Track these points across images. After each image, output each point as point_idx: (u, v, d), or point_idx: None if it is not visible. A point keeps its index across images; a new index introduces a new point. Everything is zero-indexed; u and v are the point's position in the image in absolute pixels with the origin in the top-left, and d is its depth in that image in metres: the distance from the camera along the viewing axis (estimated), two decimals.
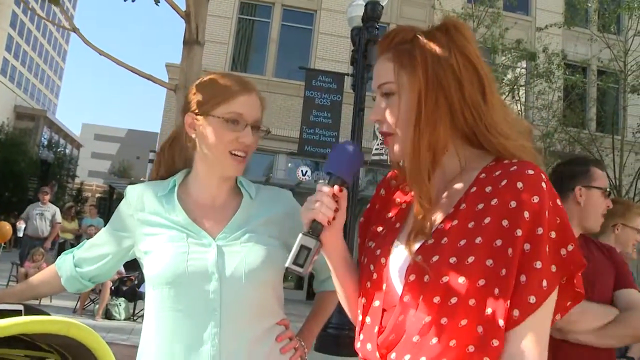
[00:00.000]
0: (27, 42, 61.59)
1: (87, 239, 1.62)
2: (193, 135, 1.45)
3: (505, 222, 0.93)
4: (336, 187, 1.08)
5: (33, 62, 64.85)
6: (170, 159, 1.57)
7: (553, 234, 0.93)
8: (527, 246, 0.92)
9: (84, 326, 0.96)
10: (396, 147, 1.07)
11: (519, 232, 0.92)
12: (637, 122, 13.08)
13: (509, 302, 0.90)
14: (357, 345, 1.09)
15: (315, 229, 1.07)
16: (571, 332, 1.79)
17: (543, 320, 0.93)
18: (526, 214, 0.92)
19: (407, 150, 1.05)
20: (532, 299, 0.90)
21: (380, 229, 1.17)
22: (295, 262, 1.04)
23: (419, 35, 1.06)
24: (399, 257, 1.05)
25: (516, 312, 0.91)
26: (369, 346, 1.04)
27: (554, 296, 0.94)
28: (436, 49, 1.03)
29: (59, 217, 10.19)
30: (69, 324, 0.93)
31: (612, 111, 14.58)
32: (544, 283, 0.91)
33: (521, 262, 0.91)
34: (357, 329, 1.11)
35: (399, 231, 1.10)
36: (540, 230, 0.92)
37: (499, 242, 0.93)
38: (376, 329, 1.03)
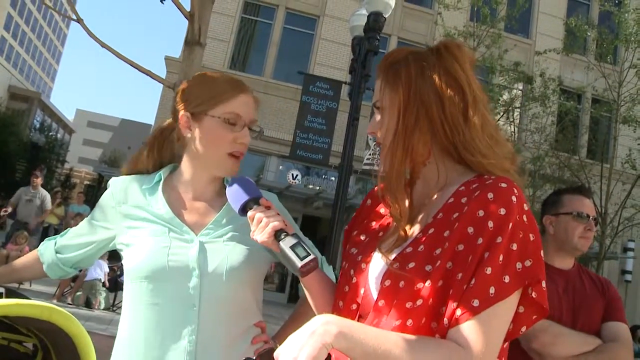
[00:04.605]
0: (26, 22, 61.07)
1: (70, 226, 1.63)
2: (188, 135, 1.43)
3: (470, 230, 0.98)
4: (262, 201, 1.22)
5: (31, 43, 64.26)
6: (158, 152, 1.54)
7: (514, 246, 0.96)
8: (486, 254, 0.95)
9: (66, 312, 0.97)
10: (382, 159, 1.13)
11: (480, 241, 0.96)
12: (627, 153, 13.19)
13: (456, 303, 0.94)
14: None
15: (283, 232, 1.15)
16: (549, 356, 1.80)
17: (490, 325, 0.93)
18: (490, 224, 0.96)
19: (386, 160, 1.11)
20: (476, 302, 0.93)
21: (363, 237, 1.22)
22: (302, 259, 1.10)
23: (409, 56, 1.12)
24: (378, 263, 1.09)
25: (459, 312, 0.94)
26: None
27: (507, 305, 0.95)
28: (421, 67, 1.09)
29: (48, 204, 10.09)
30: (51, 309, 0.95)
31: (603, 140, 14.72)
32: (492, 290, 0.93)
33: (476, 267, 0.95)
34: None
35: (381, 240, 1.14)
36: (499, 239, 0.95)
37: (460, 247, 0.98)
38: None
